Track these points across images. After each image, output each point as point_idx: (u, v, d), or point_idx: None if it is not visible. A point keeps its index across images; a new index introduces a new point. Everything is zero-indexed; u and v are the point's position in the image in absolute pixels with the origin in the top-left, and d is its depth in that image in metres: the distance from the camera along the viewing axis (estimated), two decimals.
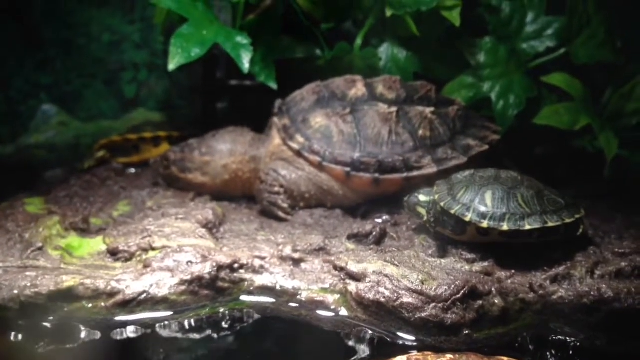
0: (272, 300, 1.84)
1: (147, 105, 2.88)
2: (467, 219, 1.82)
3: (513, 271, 1.81)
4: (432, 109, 2.25)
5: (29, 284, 1.75)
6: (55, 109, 2.81)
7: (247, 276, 1.86)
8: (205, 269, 1.81)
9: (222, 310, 1.82)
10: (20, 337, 1.74)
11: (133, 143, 2.64)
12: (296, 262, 1.89)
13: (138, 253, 1.91)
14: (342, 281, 1.81)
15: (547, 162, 2.56)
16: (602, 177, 2.29)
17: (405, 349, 1.68)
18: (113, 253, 1.94)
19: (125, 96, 2.86)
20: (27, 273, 1.79)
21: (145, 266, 1.84)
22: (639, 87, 2.37)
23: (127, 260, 1.91)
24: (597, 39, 2.50)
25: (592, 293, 1.71)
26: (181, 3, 2.31)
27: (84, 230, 2.07)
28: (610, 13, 2.52)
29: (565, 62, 2.52)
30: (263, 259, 1.89)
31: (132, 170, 2.64)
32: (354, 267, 1.81)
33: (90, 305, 1.76)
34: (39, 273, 1.79)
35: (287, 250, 1.90)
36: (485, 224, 1.81)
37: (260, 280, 1.85)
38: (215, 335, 1.77)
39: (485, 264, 1.83)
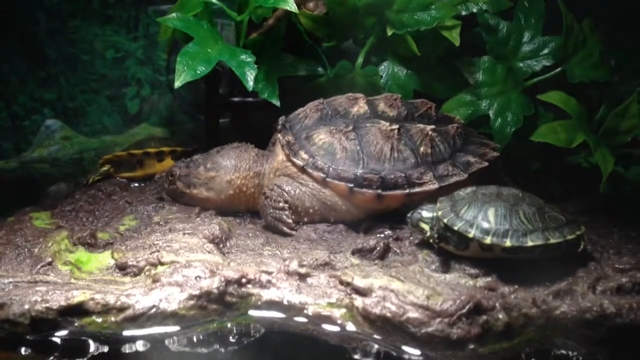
0: (279, 314, 1.86)
1: (150, 120, 2.91)
2: (471, 235, 1.86)
3: (516, 286, 1.84)
4: (432, 126, 2.29)
5: (39, 299, 1.77)
6: (59, 123, 2.84)
7: (255, 291, 1.87)
8: (213, 284, 1.83)
9: (229, 324, 1.84)
10: (30, 352, 1.75)
11: (137, 158, 2.66)
12: (302, 277, 1.91)
13: (147, 268, 1.93)
14: (348, 296, 1.84)
15: (544, 178, 2.60)
16: (597, 193, 2.33)
17: None
18: (122, 268, 1.95)
19: (129, 111, 2.89)
20: (38, 288, 1.81)
21: (155, 281, 1.86)
22: (633, 106, 2.41)
23: (135, 275, 1.93)
24: (592, 59, 2.55)
25: (594, 308, 1.75)
26: (187, 22, 2.34)
27: (92, 245, 2.09)
28: (605, 33, 2.59)
29: (559, 80, 2.58)
30: (270, 273, 1.90)
31: (135, 185, 2.66)
32: (359, 282, 1.84)
33: (100, 319, 1.77)
34: (49, 288, 1.81)
35: (293, 265, 1.92)
36: (488, 240, 1.85)
37: (267, 295, 1.86)
38: (223, 350, 1.79)
39: (489, 279, 1.87)
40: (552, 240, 1.85)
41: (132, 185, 2.64)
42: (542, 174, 2.64)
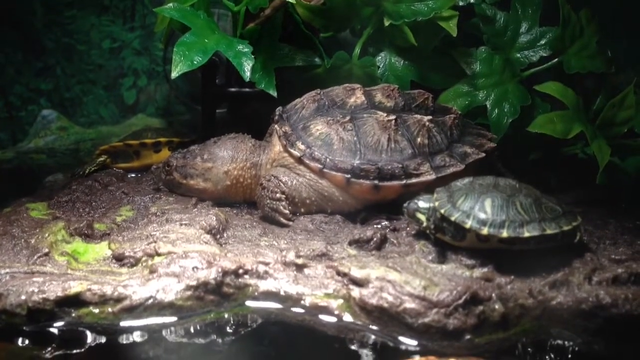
0: (276, 305, 1.86)
1: (147, 111, 2.91)
2: (467, 226, 1.87)
3: (512, 277, 1.85)
4: (429, 117, 2.29)
5: (36, 290, 1.77)
6: (55, 114, 2.84)
7: (252, 281, 1.87)
8: (210, 275, 1.83)
9: (227, 315, 1.84)
10: (27, 342, 1.75)
11: (134, 148, 2.65)
12: (299, 268, 1.91)
13: (144, 259, 1.93)
14: (345, 287, 1.84)
15: (541, 168, 2.61)
16: (594, 184, 2.34)
17: (407, 354, 1.72)
18: (119, 259, 1.95)
19: (125, 102, 2.89)
20: (34, 279, 1.81)
21: (152, 272, 1.86)
22: (630, 97, 2.42)
23: (132, 265, 1.93)
24: (589, 49, 2.56)
25: (590, 299, 1.75)
26: (184, 12, 2.34)
27: (89, 236, 2.08)
28: (602, 24, 2.59)
29: (557, 71, 2.58)
30: (267, 264, 1.91)
31: (132, 175, 2.66)
32: (356, 272, 1.84)
33: (97, 310, 1.78)
34: (46, 279, 1.81)
35: (290, 256, 1.93)
36: (485, 230, 1.85)
37: (264, 285, 1.87)
38: (220, 340, 1.80)
39: (485, 269, 1.88)
40: (548, 231, 1.85)
41: (128, 176, 2.65)
42: (540, 164, 2.64)
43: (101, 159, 2.65)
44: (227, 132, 2.45)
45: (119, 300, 1.78)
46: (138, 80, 2.89)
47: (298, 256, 1.93)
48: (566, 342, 1.76)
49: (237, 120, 2.78)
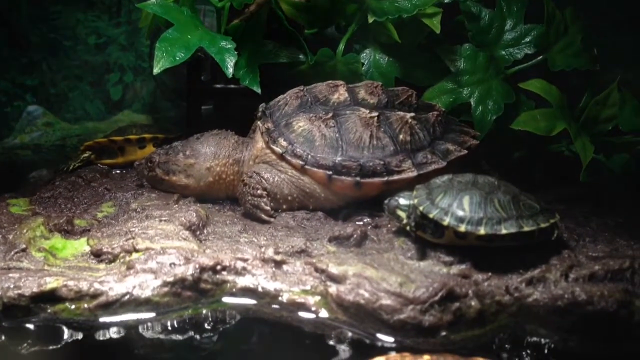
0: (254, 301, 1.86)
1: (133, 107, 2.91)
2: (445, 223, 1.86)
3: (489, 274, 1.85)
4: (412, 114, 2.28)
5: (12, 286, 1.77)
6: (41, 110, 2.84)
7: (230, 278, 1.87)
8: (188, 271, 1.83)
9: (204, 311, 1.84)
10: (2, 338, 1.75)
11: (118, 145, 2.65)
12: (278, 264, 1.91)
13: (121, 255, 1.92)
14: (322, 283, 1.84)
15: (525, 166, 2.60)
16: (578, 181, 2.34)
17: (383, 350, 1.72)
18: (97, 255, 1.95)
19: (111, 98, 2.89)
20: (10, 275, 1.81)
21: (129, 268, 1.86)
22: (614, 94, 2.41)
23: (110, 262, 1.93)
24: (574, 47, 2.55)
25: (566, 296, 1.75)
26: (167, 8, 2.33)
27: (68, 232, 2.08)
28: (587, 21, 2.58)
29: (542, 69, 2.57)
30: (245, 260, 1.90)
31: (117, 172, 2.66)
32: (334, 269, 1.84)
33: (73, 306, 1.78)
34: (22, 275, 1.81)
35: (269, 253, 1.92)
36: (462, 228, 1.85)
37: (242, 282, 1.86)
38: (198, 336, 1.80)
39: (463, 266, 1.87)
40: (525, 228, 1.85)
41: (113, 172, 2.64)
42: (525, 162, 2.64)
43: (85, 155, 2.64)
44: (212, 129, 2.45)
45: (94, 296, 1.78)
46: (124, 76, 2.89)
47: (277, 252, 1.93)
48: (542, 339, 1.76)
49: (223, 117, 2.77)
